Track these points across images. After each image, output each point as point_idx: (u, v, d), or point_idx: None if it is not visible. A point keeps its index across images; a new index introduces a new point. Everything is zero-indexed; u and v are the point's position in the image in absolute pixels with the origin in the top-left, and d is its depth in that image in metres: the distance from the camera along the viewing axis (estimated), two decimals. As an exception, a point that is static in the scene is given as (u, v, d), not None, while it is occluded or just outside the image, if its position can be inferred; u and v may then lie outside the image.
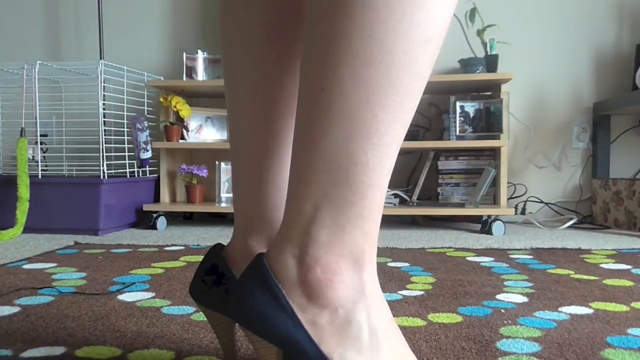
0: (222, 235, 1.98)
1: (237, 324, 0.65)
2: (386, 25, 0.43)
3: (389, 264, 1.41)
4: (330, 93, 0.45)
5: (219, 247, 0.65)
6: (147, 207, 2.20)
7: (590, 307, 1.00)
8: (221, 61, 0.63)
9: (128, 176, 2.23)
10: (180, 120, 2.35)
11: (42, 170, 2.17)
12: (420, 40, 0.44)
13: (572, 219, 2.24)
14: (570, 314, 0.95)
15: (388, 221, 2.41)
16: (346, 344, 0.47)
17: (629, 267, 1.38)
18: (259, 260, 0.50)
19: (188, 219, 2.55)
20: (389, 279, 1.23)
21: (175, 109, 2.28)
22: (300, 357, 0.47)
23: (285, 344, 0.48)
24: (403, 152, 2.47)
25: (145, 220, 2.19)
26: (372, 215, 0.48)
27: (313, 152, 0.46)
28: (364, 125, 0.45)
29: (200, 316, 0.93)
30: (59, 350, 0.77)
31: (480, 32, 2.22)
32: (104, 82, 2.14)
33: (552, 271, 1.32)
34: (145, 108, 2.40)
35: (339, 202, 0.47)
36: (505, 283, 1.19)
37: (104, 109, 2.13)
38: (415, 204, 2.28)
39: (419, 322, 0.91)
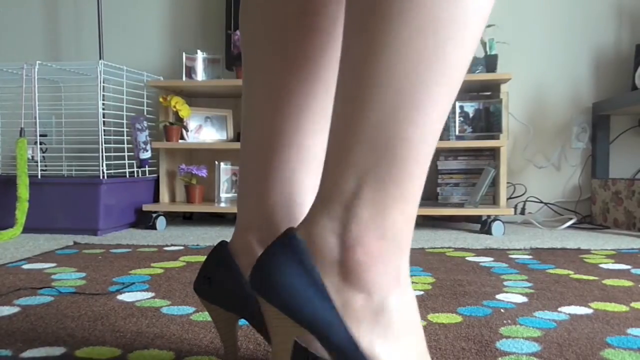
0: (221, 235, 1.98)
1: (238, 321, 0.65)
2: None
3: (388, 264, 1.41)
4: (378, 62, 0.43)
5: (224, 243, 0.65)
6: (146, 207, 2.20)
7: (589, 307, 1.00)
8: (241, 47, 0.62)
9: (127, 176, 2.23)
10: (179, 120, 2.35)
11: (41, 170, 2.17)
12: (470, 9, 0.43)
13: (571, 219, 2.24)
14: (569, 314, 0.95)
15: (387, 221, 2.41)
16: (376, 331, 0.45)
17: (628, 267, 1.38)
18: (291, 234, 0.47)
19: (187, 219, 2.55)
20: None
21: (174, 109, 2.28)
22: (328, 339, 0.45)
23: (313, 324, 0.45)
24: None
25: (144, 220, 2.19)
26: (414, 198, 0.46)
27: (358, 126, 0.44)
28: (411, 98, 0.43)
29: (200, 316, 0.93)
30: (58, 350, 0.77)
31: (479, 32, 2.22)
32: (103, 82, 2.14)
33: (551, 271, 1.32)
34: (145, 108, 2.40)
35: (384, 179, 0.45)
36: (505, 283, 1.19)
37: (103, 109, 2.13)
38: (414, 204, 2.28)
39: (418, 322, 0.91)
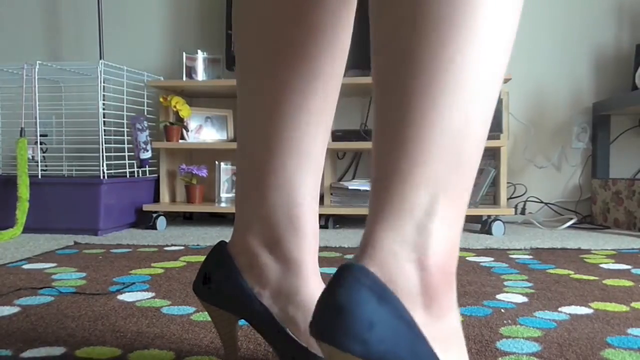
0: (221, 235, 1.98)
1: (238, 321, 0.65)
2: None
3: (388, 264, 1.41)
4: (459, 65, 0.40)
5: (223, 243, 0.65)
6: (146, 207, 2.20)
7: (590, 307, 1.00)
8: (235, 45, 0.61)
9: (128, 176, 2.23)
10: (180, 120, 2.35)
11: (41, 170, 2.17)
12: (520, 3, 0.43)
13: (571, 219, 2.24)
14: (570, 314, 0.95)
15: (388, 221, 2.41)
16: (451, 355, 0.42)
17: (628, 267, 1.38)
18: (358, 267, 0.40)
19: (188, 219, 2.55)
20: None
21: (175, 109, 2.28)
22: None
23: None
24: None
25: (145, 220, 2.19)
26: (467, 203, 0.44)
27: (431, 135, 0.41)
28: (484, 100, 0.42)
29: (200, 316, 0.93)
30: (58, 350, 0.77)
31: (480, 32, 2.22)
32: (103, 82, 2.14)
33: (551, 271, 1.32)
34: (145, 108, 2.40)
35: (457, 191, 0.41)
36: (505, 283, 1.19)
37: (103, 109, 2.13)
38: (415, 204, 2.28)
39: (418, 322, 0.91)
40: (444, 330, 0.42)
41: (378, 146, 0.44)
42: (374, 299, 0.39)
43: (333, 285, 0.40)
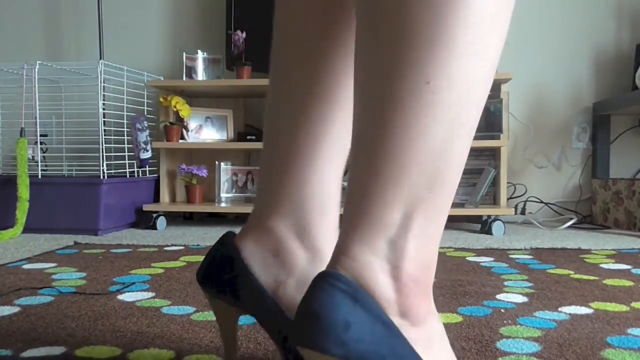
0: (222, 235, 1.98)
1: (239, 318, 0.64)
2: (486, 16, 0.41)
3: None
4: (437, 87, 0.40)
5: (230, 235, 0.62)
6: (146, 207, 2.20)
7: (590, 307, 1.00)
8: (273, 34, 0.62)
9: (128, 176, 2.23)
10: (180, 120, 2.35)
11: (42, 170, 2.17)
12: (505, 25, 0.43)
13: (572, 219, 2.24)
14: (570, 314, 0.95)
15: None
16: (433, 353, 0.43)
17: (628, 267, 1.38)
18: (334, 274, 0.42)
19: (188, 219, 2.55)
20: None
21: (175, 109, 2.28)
22: None
23: None
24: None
25: (145, 220, 2.19)
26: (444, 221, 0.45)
27: (407, 154, 0.41)
28: (464, 121, 0.41)
29: (200, 316, 0.93)
30: (59, 350, 0.77)
31: (480, 32, 2.22)
32: (103, 82, 2.14)
33: (552, 271, 1.32)
34: (145, 108, 2.40)
35: (433, 210, 0.42)
36: (505, 283, 1.19)
37: (103, 109, 2.13)
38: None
39: (418, 322, 0.91)
40: (424, 332, 0.43)
41: (354, 161, 0.44)
42: (348, 300, 0.40)
43: (308, 293, 0.41)
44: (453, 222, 2.40)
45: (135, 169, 2.29)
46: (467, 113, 0.42)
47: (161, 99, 2.30)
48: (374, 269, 0.42)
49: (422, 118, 0.41)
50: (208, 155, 2.54)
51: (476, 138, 2.20)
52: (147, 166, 2.26)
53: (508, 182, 2.41)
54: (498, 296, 1.08)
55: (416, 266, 0.43)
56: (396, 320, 0.42)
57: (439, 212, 0.43)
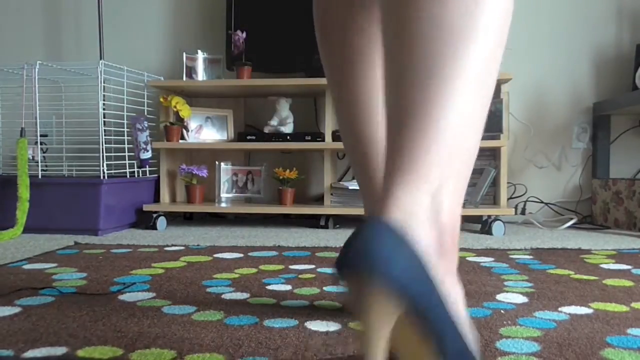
0: (222, 235, 1.98)
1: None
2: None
3: (389, 264, 1.41)
4: (465, 68, 0.51)
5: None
6: (147, 207, 2.21)
7: (590, 307, 1.00)
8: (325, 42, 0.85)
9: (128, 176, 2.23)
10: (180, 121, 2.35)
11: (42, 170, 2.17)
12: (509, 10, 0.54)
13: (572, 219, 2.24)
14: (570, 314, 0.95)
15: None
16: (460, 304, 0.50)
17: (629, 267, 1.38)
18: (381, 218, 0.47)
19: (188, 219, 2.56)
20: (389, 279, 1.23)
21: (175, 109, 2.29)
22: (431, 312, 0.45)
23: (422, 298, 0.45)
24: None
25: (145, 221, 2.19)
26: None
27: (433, 130, 0.50)
28: (482, 98, 0.52)
29: (201, 316, 0.93)
30: (60, 350, 0.77)
31: (480, 32, 2.22)
32: (103, 82, 2.14)
33: (552, 271, 1.32)
34: (145, 108, 2.40)
35: (463, 174, 0.51)
36: (505, 283, 1.19)
37: (103, 109, 2.13)
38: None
39: (419, 322, 0.91)
40: (454, 285, 0.50)
41: (401, 131, 0.51)
42: (394, 235, 0.45)
43: (356, 229, 0.47)
44: (453, 222, 2.40)
45: (136, 169, 2.29)
46: (484, 92, 0.52)
47: (161, 99, 2.30)
48: (418, 218, 0.47)
49: (454, 97, 0.50)
50: (208, 155, 2.55)
51: (476, 138, 2.20)
52: (147, 166, 2.26)
53: (508, 182, 2.42)
54: (498, 296, 1.08)
55: (451, 218, 0.50)
56: (435, 261, 0.47)
57: (464, 176, 0.52)
